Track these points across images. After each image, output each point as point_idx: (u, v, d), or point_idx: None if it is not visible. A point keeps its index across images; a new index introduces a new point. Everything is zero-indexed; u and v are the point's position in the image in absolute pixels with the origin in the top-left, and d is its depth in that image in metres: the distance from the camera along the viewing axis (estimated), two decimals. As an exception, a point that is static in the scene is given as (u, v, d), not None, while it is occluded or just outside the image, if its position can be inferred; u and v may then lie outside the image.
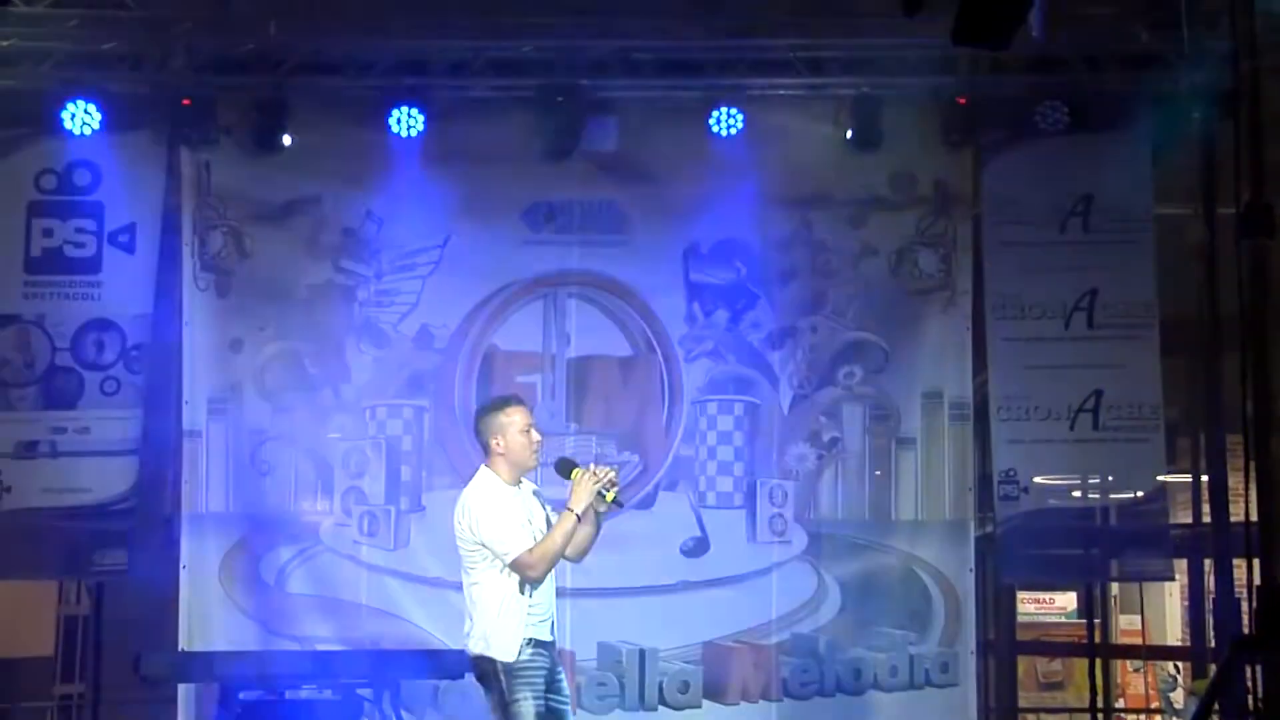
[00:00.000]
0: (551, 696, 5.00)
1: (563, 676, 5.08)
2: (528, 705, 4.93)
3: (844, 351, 7.56)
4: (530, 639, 4.99)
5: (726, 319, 7.57)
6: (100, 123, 7.15)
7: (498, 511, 4.99)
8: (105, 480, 7.23)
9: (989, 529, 7.61)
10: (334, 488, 7.42)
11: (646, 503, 7.45)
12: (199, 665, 6.75)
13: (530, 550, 4.94)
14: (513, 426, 5.04)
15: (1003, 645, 8.16)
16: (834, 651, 7.40)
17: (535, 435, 5.05)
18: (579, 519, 4.87)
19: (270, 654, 6.95)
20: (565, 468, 5.02)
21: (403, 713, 6.59)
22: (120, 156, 7.25)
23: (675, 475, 7.52)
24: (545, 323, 7.53)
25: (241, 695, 6.42)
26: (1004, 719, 8.09)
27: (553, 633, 5.05)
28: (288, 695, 6.45)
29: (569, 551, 5.02)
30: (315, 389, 7.45)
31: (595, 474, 4.91)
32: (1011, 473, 7.33)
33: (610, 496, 4.85)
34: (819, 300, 7.60)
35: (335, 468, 7.41)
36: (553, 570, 5.02)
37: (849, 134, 7.38)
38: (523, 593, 4.97)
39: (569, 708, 5.10)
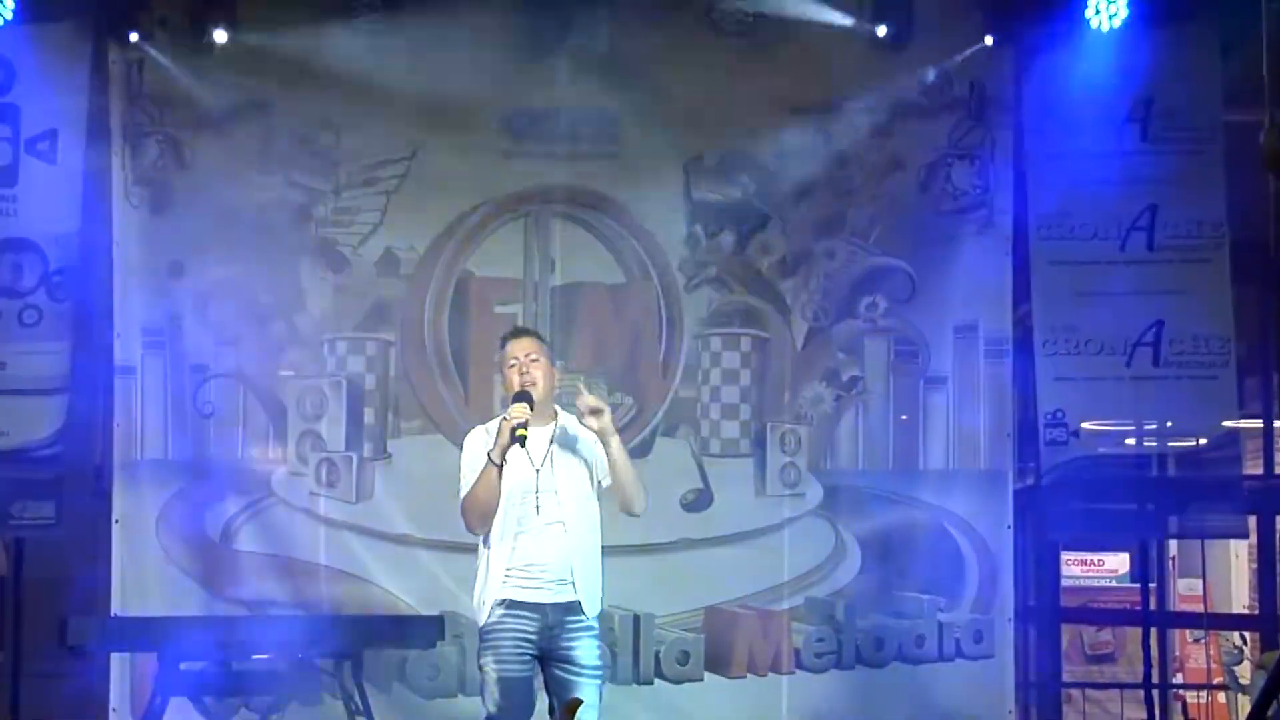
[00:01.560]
0: (557, 665, 5.04)
1: (580, 642, 5.07)
2: (489, 671, 5.01)
3: (866, 279, 7.55)
4: (504, 599, 5.04)
5: (732, 242, 7.54)
6: (14, 12, 7.03)
7: (465, 454, 5.15)
8: (26, 423, 7.17)
9: (1030, 480, 7.62)
10: (287, 432, 7.37)
11: (642, 450, 7.39)
12: (134, 632, 6.71)
13: (462, 498, 5.08)
14: (504, 363, 5.16)
15: (1045, 612, 8.10)
16: (853, 618, 7.41)
17: (533, 373, 5.07)
18: (492, 463, 4.96)
19: (215, 620, 6.94)
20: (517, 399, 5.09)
21: (366, 686, 6.57)
22: (38, 51, 7.13)
23: (674, 419, 7.50)
24: (526, 246, 7.48)
25: (183, 666, 6.40)
26: (1046, 695, 8.05)
27: (557, 594, 5.05)
28: (235, 666, 6.44)
29: (622, 496, 5.13)
30: (265, 320, 7.39)
31: (511, 412, 4.98)
32: (1058, 415, 7.32)
33: (517, 433, 4.92)
34: (837, 221, 7.58)
35: (289, 409, 7.37)
36: (554, 525, 5.06)
37: (874, 30, 7.33)
38: (485, 546, 5.07)
39: (584, 677, 5.06)
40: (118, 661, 7.15)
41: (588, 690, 5.05)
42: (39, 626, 7.05)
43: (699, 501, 7.45)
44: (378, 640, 6.69)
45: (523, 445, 4.93)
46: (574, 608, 5.09)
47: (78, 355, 7.26)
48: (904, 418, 7.54)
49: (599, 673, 5.14)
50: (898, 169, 7.52)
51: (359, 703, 6.47)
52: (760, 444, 7.47)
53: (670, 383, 7.50)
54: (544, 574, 5.05)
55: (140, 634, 6.64)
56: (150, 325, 7.32)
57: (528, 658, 5.06)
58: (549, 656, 5.06)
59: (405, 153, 7.42)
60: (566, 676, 5.06)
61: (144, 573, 7.23)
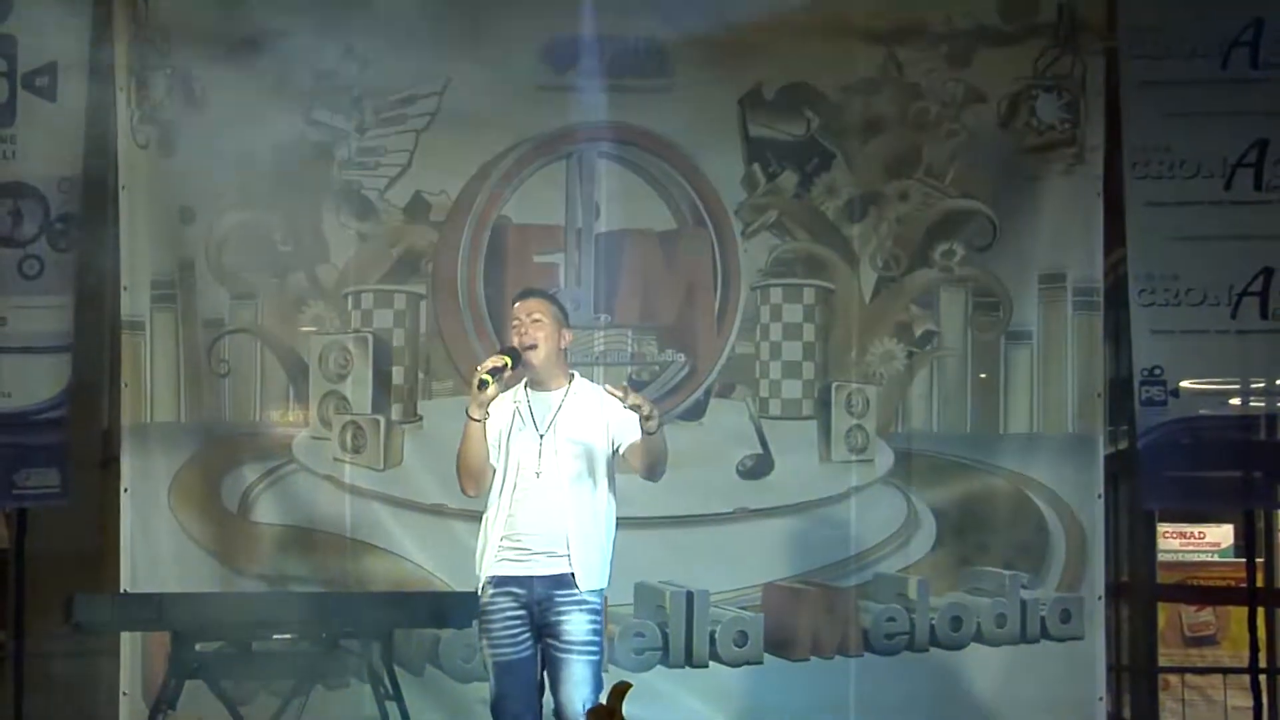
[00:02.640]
0: (547, 640, 5.14)
1: (569, 616, 5.13)
2: (486, 655, 5.19)
3: (941, 224, 7.47)
4: (494, 576, 5.20)
5: (794, 183, 7.48)
6: (9, -66, 7.11)
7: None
8: (28, 384, 7.21)
9: (1123, 445, 7.63)
10: (309, 393, 7.38)
11: (695, 413, 7.41)
12: (146, 610, 6.64)
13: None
14: (512, 323, 5.32)
15: (1139, 590, 8.06)
16: (927, 596, 7.37)
17: (533, 333, 5.16)
18: (470, 418, 5.14)
19: (233, 597, 6.97)
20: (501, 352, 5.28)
21: (396, 669, 6.57)
22: (35, -23, 7.18)
23: (730, 378, 7.47)
24: (568, 189, 7.45)
25: (198, 646, 6.42)
26: (1140, 681, 8.01)
27: (546, 567, 5.15)
28: (255, 647, 6.45)
29: (643, 466, 5.22)
30: (284, 271, 7.40)
31: (485, 362, 5.18)
32: (1155, 372, 7.25)
33: (479, 377, 5.08)
34: (910, 159, 7.49)
35: (311, 368, 7.38)
36: (554, 491, 5.15)
37: (950, -53, 7.30)
38: (482, 517, 5.24)
39: (573, 653, 5.11)
40: (128, 641, 7.21)
41: (578, 667, 5.12)
42: (43, 604, 7.10)
43: (757, 468, 7.42)
44: (409, 619, 6.68)
45: (482, 389, 5.04)
46: (565, 580, 5.14)
47: (82, 309, 7.29)
48: (983, 376, 7.48)
49: (590, 649, 5.19)
50: (977, 101, 7.44)
51: (389, 686, 6.47)
52: (825, 405, 7.43)
53: (726, 339, 7.47)
54: (534, 544, 5.16)
55: (152, 612, 6.60)
56: (160, 277, 7.34)
57: (522, 637, 5.17)
58: (541, 632, 5.17)
59: (435, 87, 7.40)
60: (555, 653, 5.15)
61: (155, 546, 7.28)
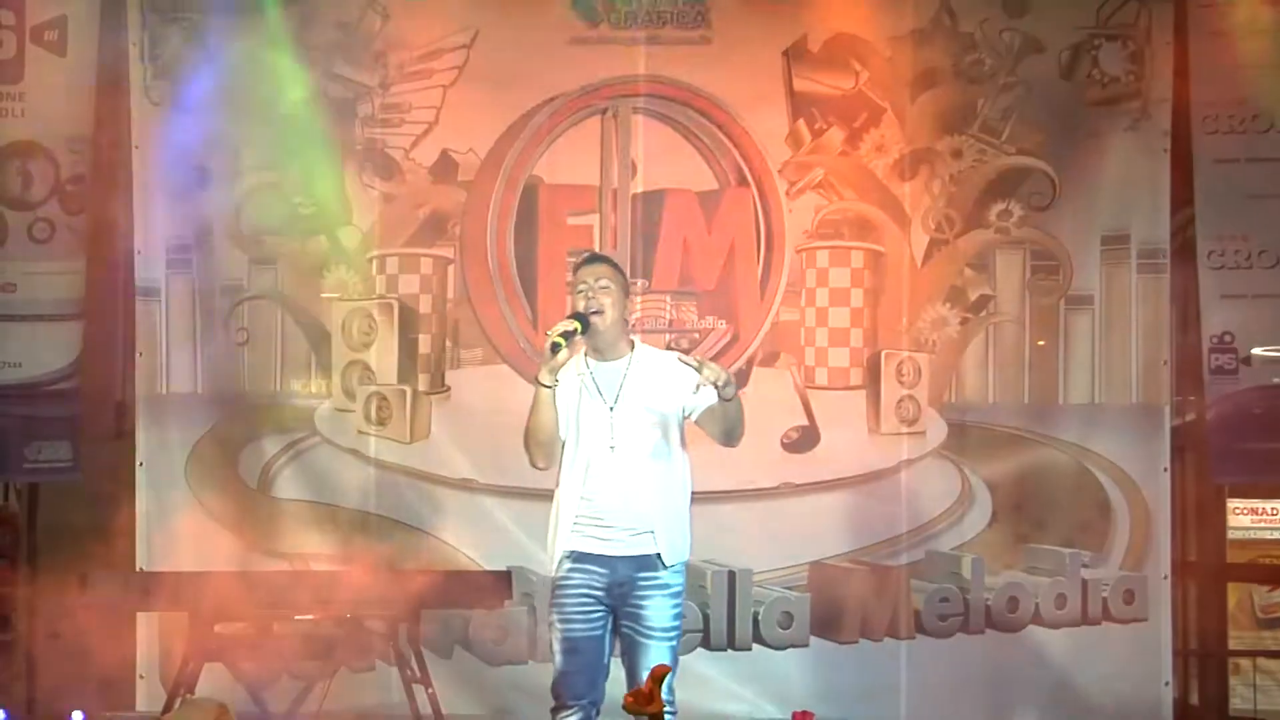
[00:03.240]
0: (626, 623, 5.15)
1: (651, 601, 5.14)
2: (555, 630, 5.20)
3: (997, 182, 7.47)
4: (572, 551, 5.19)
5: (842, 140, 7.47)
6: (15, -122, 7.12)
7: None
8: (39, 353, 7.25)
9: (1191, 416, 7.58)
10: (331, 363, 7.41)
11: (737, 382, 7.14)
12: (162, 589, 6.71)
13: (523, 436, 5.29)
14: (574, 289, 5.32)
15: (1207, 569, 8.03)
16: (982, 576, 7.35)
17: (600, 299, 5.19)
18: (540, 384, 5.17)
19: (253, 576, 6.88)
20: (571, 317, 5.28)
21: (424, 651, 6.61)
22: (42, -77, 7.19)
23: (774, 346, 7.47)
24: (603, 147, 7.45)
25: (217, 628, 6.46)
26: (1208, 665, 8.00)
27: (630, 547, 5.16)
28: (276, 628, 6.49)
29: (720, 432, 5.23)
30: (306, 234, 7.43)
31: (556, 326, 5.18)
32: (1225, 338, 7.23)
33: (552, 340, 5.10)
34: (965, 114, 7.48)
35: (333, 337, 7.40)
36: (630, 467, 5.14)
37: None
38: (557, 489, 5.24)
39: (653, 639, 5.13)
40: (144, 622, 7.26)
41: (657, 653, 5.12)
42: (56, 582, 7.04)
43: (803, 441, 7.42)
44: (437, 599, 6.68)
45: (554, 353, 5.07)
46: (649, 562, 5.17)
47: (94, 275, 7.31)
48: (1042, 343, 7.47)
49: (671, 635, 5.20)
50: (1035, 52, 7.42)
51: (416, 669, 6.50)
52: (874, 374, 7.43)
53: (770, 304, 7.46)
54: (616, 521, 5.16)
55: (169, 591, 6.67)
56: (175, 240, 7.35)
57: (596, 615, 5.18)
58: (619, 614, 5.18)
59: (463, 40, 7.40)
60: (635, 637, 5.15)
61: (172, 522, 7.30)
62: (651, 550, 5.15)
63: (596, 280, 5.24)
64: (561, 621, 5.17)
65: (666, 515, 5.18)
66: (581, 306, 5.22)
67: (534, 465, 5.27)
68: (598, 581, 5.15)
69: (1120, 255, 7.39)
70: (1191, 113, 7.29)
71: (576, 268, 5.36)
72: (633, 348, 5.30)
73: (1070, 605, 7.33)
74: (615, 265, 5.41)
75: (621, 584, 5.14)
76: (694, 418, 5.23)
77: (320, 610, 6.46)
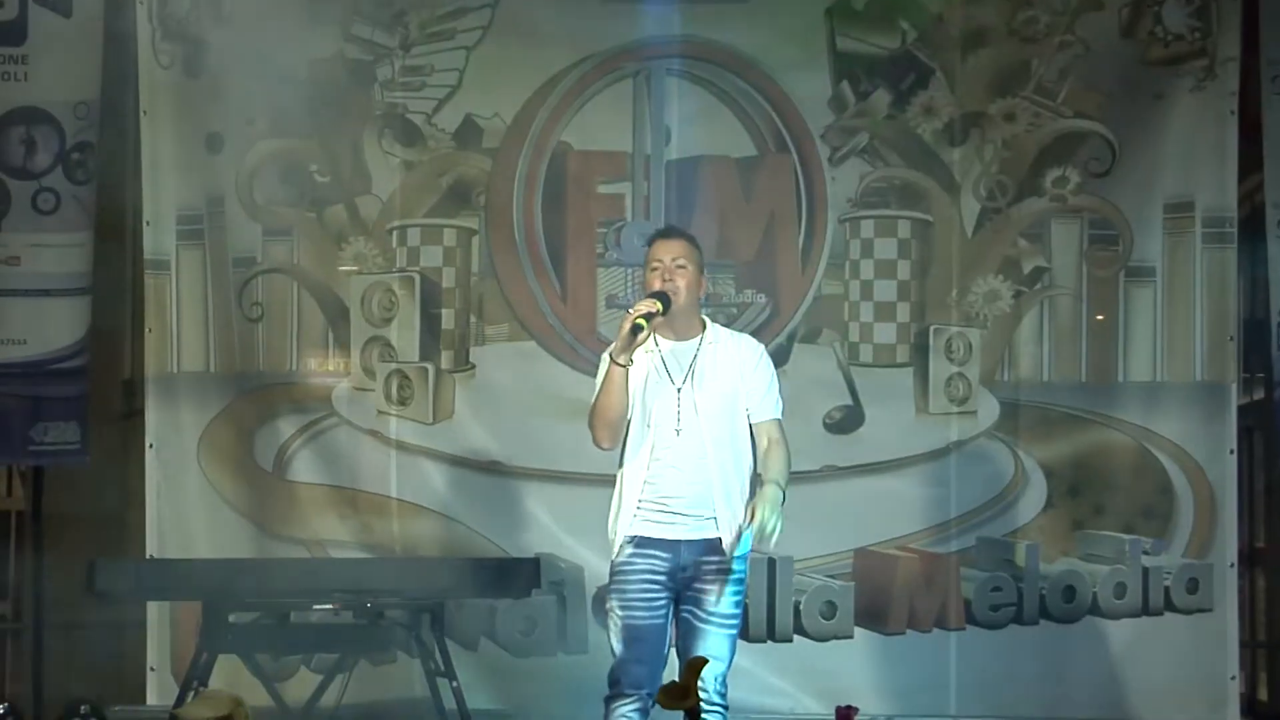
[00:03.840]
0: (685, 608, 5.21)
1: (713, 586, 5.19)
2: (613, 616, 5.24)
3: (1053, 147, 7.43)
4: (634, 536, 5.24)
5: (888, 103, 7.45)
6: None
7: (600, 367, 5.33)
8: (44, 329, 7.26)
9: (1259, 394, 7.56)
10: (350, 339, 7.43)
11: (777, 360, 7.09)
12: (174, 577, 6.77)
13: (589, 413, 5.32)
14: (648, 265, 5.38)
15: (1276, 556, 8.00)
16: (1036, 563, 7.34)
17: (677, 280, 5.25)
18: (614, 362, 5.18)
19: (268, 563, 7.02)
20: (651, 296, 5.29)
21: (448, 642, 6.61)
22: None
23: (816, 321, 7.46)
24: (636, 111, 7.44)
25: (231, 618, 6.48)
26: (1277, 657, 7.98)
27: (694, 530, 5.22)
28: (293, 618, 6.52)
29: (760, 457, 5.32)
30: (322, 204, 7.44)
31: (639, 304, 5.21)
32: None
33: (634, 321, 5.13)
34: (1018, 75, 7.44)
35: (352, 312, 7.41)
36: (697, 450, 5.21)
37: None
38: (620, 470, 5.28)
39: (711, 625, 5.19)
40: (155, 612, 7.29)
41: (715, 640, 5.17)
42: (63, 570, 7.15)
43: (847, 421, 7.42)
44: (461, 588, 6.70)
45: (635, 334, 5.09)
46: (714, 546, 5.20)
47: (102, 248, 7.33)
48: (1100, 318, 7.45)
49: (732, 623, 5.23)
50: (1094, 9, 7.38)
51: (439, 661, 6.50)
52: (922, 351, 7.42)
53: (811, 277, 7.44)
54: (680, 506, 5.22)
55: (181, 579, 6.71)
56: (186, 211, 7.37)
57: (659, 602, 5.23)
58: (680, 599, 5.23)
59: (488, -2, 7.42)
60: (693, 622, 5.20)
61: (184, 507, 7.35)
62: (714, 535, 5.19)
63: (673, 259, 5.28)
64: (622, 608, 5.20)
65: (731, 502, 5.21)
66: (656, 285, 5.25)
67: (598, 445, 5.31)
68: (660, 566, 5.19)
69: (1184, 224, 7.36)
70: (1261, 72, 7.24)
71: (650, 240, 5.43)
72: (704, 327, 5.34)
73: (1130, 595, 7.31)
74: (692, 240, 5.44)
75: (684, 568, 5.19)
76: (752, 420, 5.30)
77: (339, 600, 6.45)
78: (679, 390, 5.23)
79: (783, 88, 7.41)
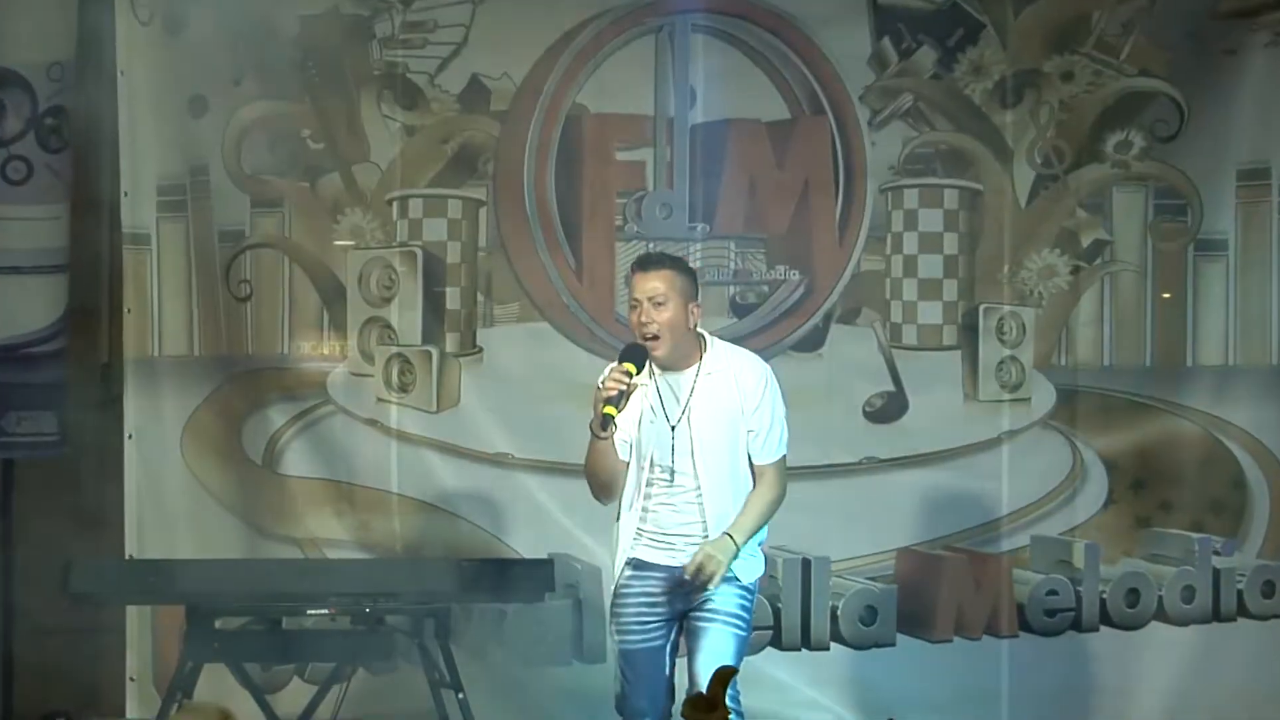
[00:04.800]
0: (690, 614, 5.24)
1: (718, 590, 5.22)
2: (614, 641, 5.36)
3: (1115, 108, 7.44)
4: (633, 559, 5.35)
5: (934, 61, 7.44)
6: None
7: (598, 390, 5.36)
8: (17, 311, 7.31)
9: None
10: (347, 320, 7.43)
11: (812, 342, 7.41)
12: (156, 579, 6.73)
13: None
14: (630, 302, 5.41)
15: None
16: (1097, 564, 7.34)
17: (656, 321, 5.27)
18: (595, 435, 5.27)
19: (258, 564, 7.05)
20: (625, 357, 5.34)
21: (453, 650, 6.61)
22: None
23: (855, 300, 7.47)
24: (658, 71, 7.43)
25: (218, 623, 6.51)
26: None
27: (689, 556, 5.28)
28: (285, 624, 6.55)
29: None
30: (316, 173, 7.44)
31: (606, 378, 5.23)
32: None
33: (607, 410, 5.19)
34: (1076, 30, 7.45)
35: (349, 290, 7.41)
36: (691, 493, 5.29)
37: None
38: (619, 518, 5.40)
39: (717, 622, 5.24)
40: (135, 616, 7.30)
41: (719, 637, 5.24)
42: (37, 571, 7.15)
43: (888, 409, 7.42)
44: (468, 591, 6.69)
45: (605, 427, 5.17)
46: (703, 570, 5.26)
47: (77, 221, 7.33)
48: (1166, 296, 7.48)
49: (736, 622, 5.28)
50: None
51: (444, 671, 6.52)
52: (971, 332, 7.42)
53: (850, 252, 7.44)
54: (678, 540, 5.33)
55: (163, 581, 6.68)
56: (168, 181, 7.37)
57: (654, 624, 5.32)
58: (685, 613, 5.30)
59: (496, -55, 7.42)
60: (697, 623, 5.27)
61: (167, 503, 7.37)
62: None
63: (649, 298, 5.27)
64: (619, 632, 5.34)
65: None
66: (633, 322, 5.29)
67: (597, 499, 5.47)
68: (656, 588, 5.28)
69: (1258, 192, 7.38)
70: (1345, 25, 7.24)
71: (632, 270, 5.44)
72: (702, 353, 5.34)
73: (1200, 599, 7.34)
74: (674, 265, 5.42)
75: (681, 584, 5.24)
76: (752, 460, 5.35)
77: (336, 604, 6.47)
78: (673, 429, 5.25)
79: (818, 45, 7.39)
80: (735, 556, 5.20)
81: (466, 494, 7.33)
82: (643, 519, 5.34)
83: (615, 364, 5.25)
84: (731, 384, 5.31)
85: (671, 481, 5.29)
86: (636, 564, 5.32)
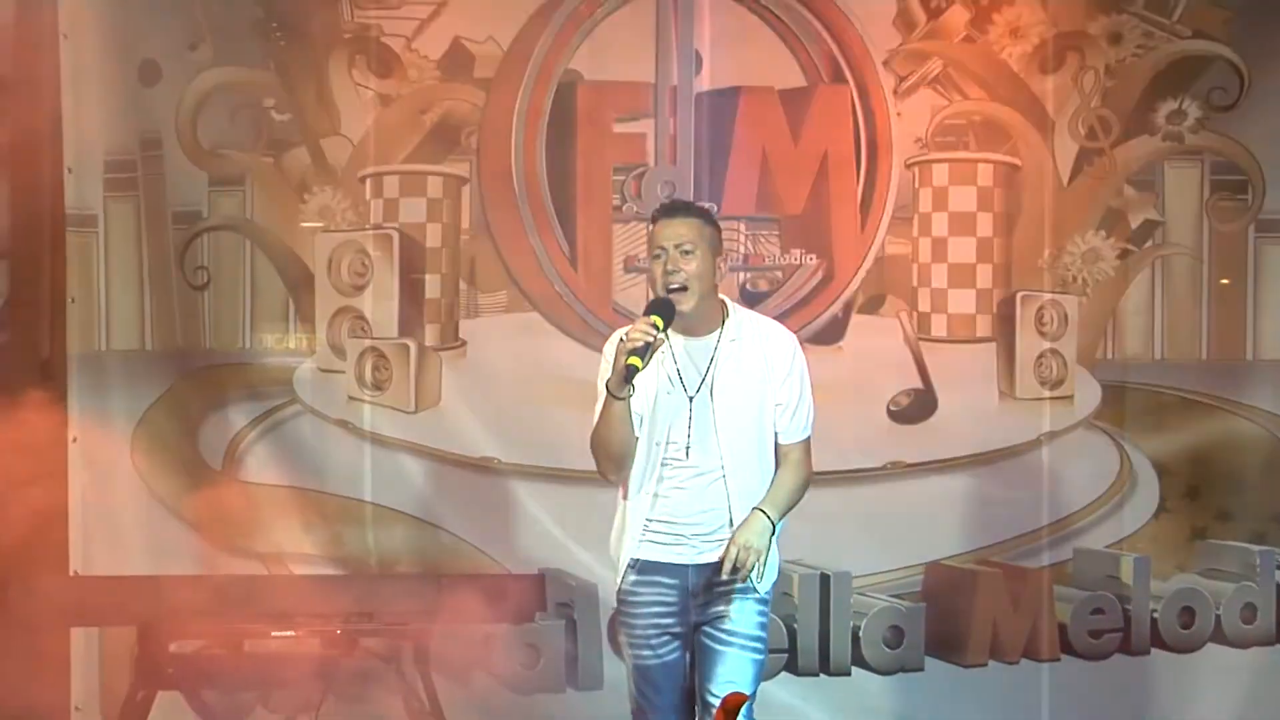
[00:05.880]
0: (703, 630, 5.22)
1: (731, 605, 5.21)
2: (626, 654, 5.32)
3: (1168, 74, 7.46)
4: (637, 560, 5.29)
5: (966, 22, 7.46)
6: None
7: (602, 364, 5.32)
8: None
9: None
10: (315, 311, 7.43)
11: (832, 334, 7.42)
12: (103, 597, 6.83)
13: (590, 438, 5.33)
14: (651, 247, 5.35)
15: None
16: (1148, 580, 7.35)
17: (683, 270, 5.22)
18: (611, 395, 5.19)
19: (217, 581, 7.04)
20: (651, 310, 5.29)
21: (434, 676, 6.68)
22: None
23: (879, 287, 7.49)
24: (659, 34, 7.43)
25: (173, 647, 6.54)
26: None
27: (703, 553, 5.25)
28: (247, 647, 6.57)
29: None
30: (281, 147, 7.45)
31: (633, 328, 5.17)
32: None
33: (632, 361, 5.13)
34: None
35: (317, 277, 7.42)
36: (711, 474, 5.24)
37: None
38: (622, 496, 5.34)
39: (733, 645, 5.21)
40: (81, 640, 7.28)
41: (736, 663, 5.20)
42: (-31, 590, 7.16)
43: (916, 409, 7.44)
44: (450, 610, 6.72)
45: (630, 377, 5.07)
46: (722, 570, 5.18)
47: (15, 201, 7.32)
48: (1225, 282, 7.50)
49: (754, 645, 5.25)
50: None
51: (424, 699, 6.56)
52: (1007, 323, 7.43)
53: (873, 234, 7.45)
54: (691, 531, 5.27)
55: (111, 601, 6.75)
56: (116, 156, 7.37)
57: (669, 638, 5.28)
58: (698, 623, 5.27)
59: (479, -104, 7.40)
60: (710, 644, 5.24)
61: (115, 514, 7.37)
62: None
63: (678, 245, 5.21)
64: (630, 646, 5.31)
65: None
66: (657, 275, 5.21)
67: (603, 477, 5.36)
68: (668, 596, 5.23)
69: (1329, 166, 7.38)
70: None
71: (654, 218, 5.37)
72: (724, 317, 5.30)
73: (1263, 618, 7.37)
74: (704, 215, 5.38)
75: (696, 593, 5.20)
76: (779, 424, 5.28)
77: (303, 625, 6.51)
78: (691, 400, 5.20)
79: (838, 3, 7.40)
80: (774, 537, 5.14)
81: (448, 503, 7.35)
82: (653, 506, 5.26)
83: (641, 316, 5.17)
84: (757, 352, 5.27)
85: (687, 459, 5.22)
86: (642, 566, 5.26)
